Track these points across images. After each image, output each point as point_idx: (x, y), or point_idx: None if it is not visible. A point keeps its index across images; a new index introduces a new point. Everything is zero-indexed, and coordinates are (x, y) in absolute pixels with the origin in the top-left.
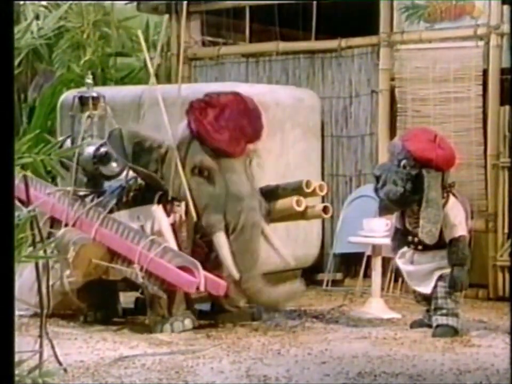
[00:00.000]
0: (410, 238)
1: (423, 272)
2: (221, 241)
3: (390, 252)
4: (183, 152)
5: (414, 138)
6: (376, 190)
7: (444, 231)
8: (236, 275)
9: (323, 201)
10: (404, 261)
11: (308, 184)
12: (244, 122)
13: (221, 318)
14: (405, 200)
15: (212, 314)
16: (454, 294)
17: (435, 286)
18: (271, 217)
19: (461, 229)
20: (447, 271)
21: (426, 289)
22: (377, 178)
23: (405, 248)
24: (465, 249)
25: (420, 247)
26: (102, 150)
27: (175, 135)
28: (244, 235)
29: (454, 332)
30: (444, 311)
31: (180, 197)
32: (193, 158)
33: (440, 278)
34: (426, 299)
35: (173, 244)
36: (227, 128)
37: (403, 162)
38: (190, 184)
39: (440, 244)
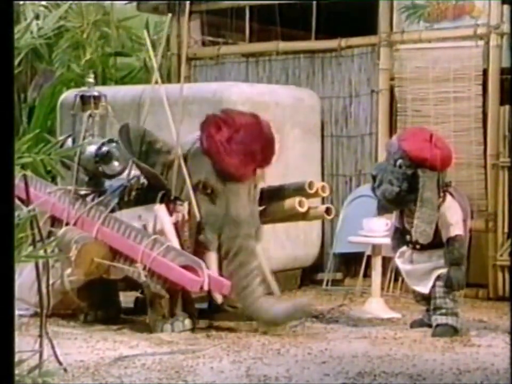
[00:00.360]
0: (408, 237)
1: (421, 271)
2: (211, 260)
3: (390, 251)
4: (190, 164)
5: (410, 138)
6: (373, 190)
7: (440, 230)
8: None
9: (323, 202)
10: (402, 260)
11: (310, 185)
12: (256, 147)
13: (218, 318)
14: (400, 200)
15: (209, 313)
16: (453, 293)
17: (433, 286)
18: (273, 218)
19: (457, 229)
20: (445, 270)
21: (424, 288)
22: (374, 178)
23: (404, 248)
24: (461, 249)
25: (418, 246)
26: (104, 149)
27: (184, 142)
28: (238, 259)
29: (453, 331)
30: (443, 311)
31: (183, 197)
32: (199, 173)
33: (439, 277)
34: (425, 299)
35: (175, 243)
36: (238, 152)
37: (399, 162)
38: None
39: (438, 243)
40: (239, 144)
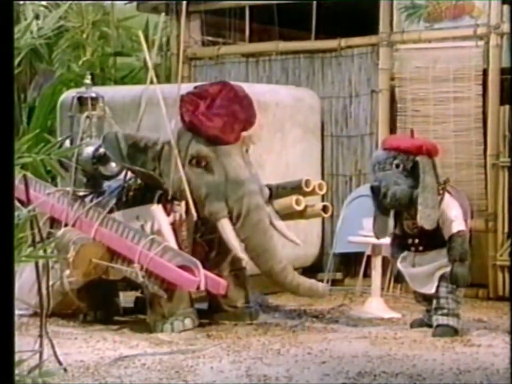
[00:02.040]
0: (410, 240)
1: (425, 273)
2: (225, 226)
3: (389, 257)
4: (178, 145)
5: (392, 139)
6: (378, 201)
7: (442, 228)
8: (244, 257)
9: (323, 201)
10: (405, 264)
11: (307, 183)
12: (235, 108)
13: (218, 318)
14: (411, 196)
15: (209, 313)
16: (456, 294)
17: (438, 285)
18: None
19: (459, 224)
20: (449, 269)
21: (430, 289)
22: (377, 189)
23: (405, 252)
24: (464, 244)
25: (420, 248)
26: (101, 150)
27: (166, 131)
28: (251, 219)
29: (454, 332)
30: (445, 311)
31: (180, 194)
32: (189, 150)
33: (442, 277)
34: (426, 299)
35: (173, 243)
36: (219, 116)
37: (395, 162)
38: (189, 177)
39: (439, 243)
40: (218, 108)
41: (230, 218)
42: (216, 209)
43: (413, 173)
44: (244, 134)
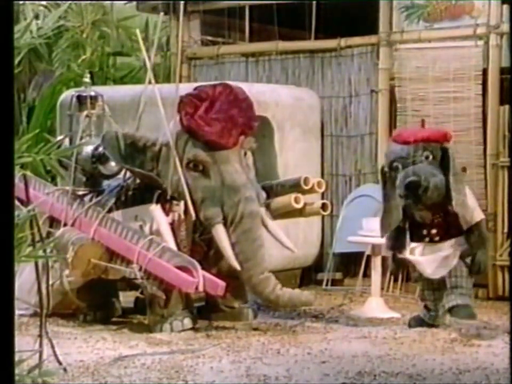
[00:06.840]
0: (425, 231)
1: (440, 259)
2: (220, 234)
3: (385, 250)
4: (176, 147)
5: (409, 133)
6: (418, 196)
7: (460, 217)
8: (237, 266)
9: (322, 200)
10: (419, 252)
11: (306, 181)
12: (234, 112)
13: (215, 317)
14: (447, 185)
15: (206, 312)
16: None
17: (455, 266)
18: (270, 215)
19: (479, 213)
20: (465, 251)
21: (444, 272)
22: (416, 184)
23: (413, 244)
24: (485, 232)
25: (437, 238)
26: (101, 149)
27: (164, 132)
28: (243, 225)
29: (472, 313)
30: (463, 291)
31: (178, 194)
32: (186, 153)
33: (460, 257)
34: (435, 292)
35: (171, 243)
36: (218, 120)
37: (425, 154)
38: (186, 180)
39: (455, 232)
40: (217, 112)
41: (225, 224)
42: (211, 215)
43: (441, 162)
44: (243, 138)
